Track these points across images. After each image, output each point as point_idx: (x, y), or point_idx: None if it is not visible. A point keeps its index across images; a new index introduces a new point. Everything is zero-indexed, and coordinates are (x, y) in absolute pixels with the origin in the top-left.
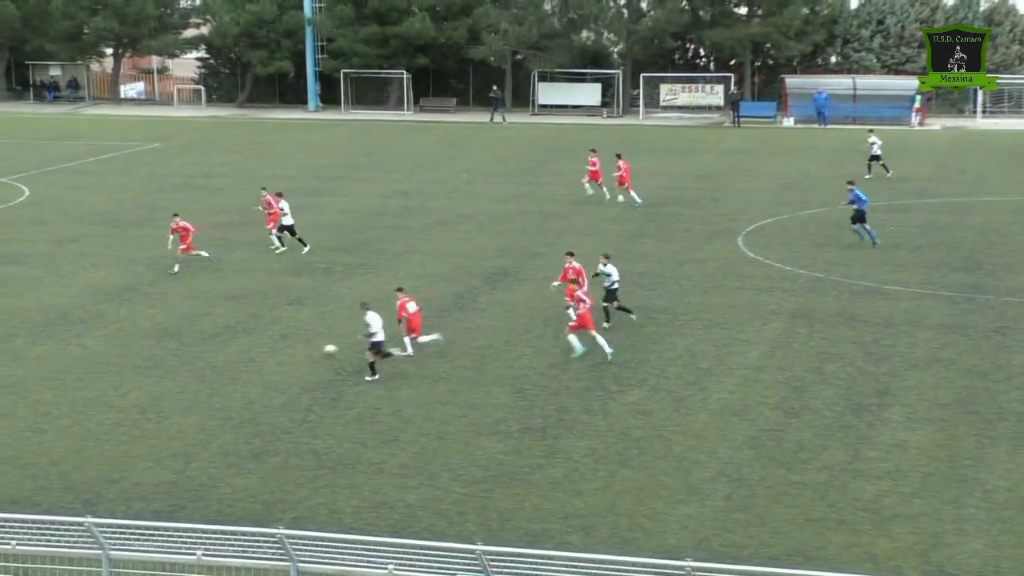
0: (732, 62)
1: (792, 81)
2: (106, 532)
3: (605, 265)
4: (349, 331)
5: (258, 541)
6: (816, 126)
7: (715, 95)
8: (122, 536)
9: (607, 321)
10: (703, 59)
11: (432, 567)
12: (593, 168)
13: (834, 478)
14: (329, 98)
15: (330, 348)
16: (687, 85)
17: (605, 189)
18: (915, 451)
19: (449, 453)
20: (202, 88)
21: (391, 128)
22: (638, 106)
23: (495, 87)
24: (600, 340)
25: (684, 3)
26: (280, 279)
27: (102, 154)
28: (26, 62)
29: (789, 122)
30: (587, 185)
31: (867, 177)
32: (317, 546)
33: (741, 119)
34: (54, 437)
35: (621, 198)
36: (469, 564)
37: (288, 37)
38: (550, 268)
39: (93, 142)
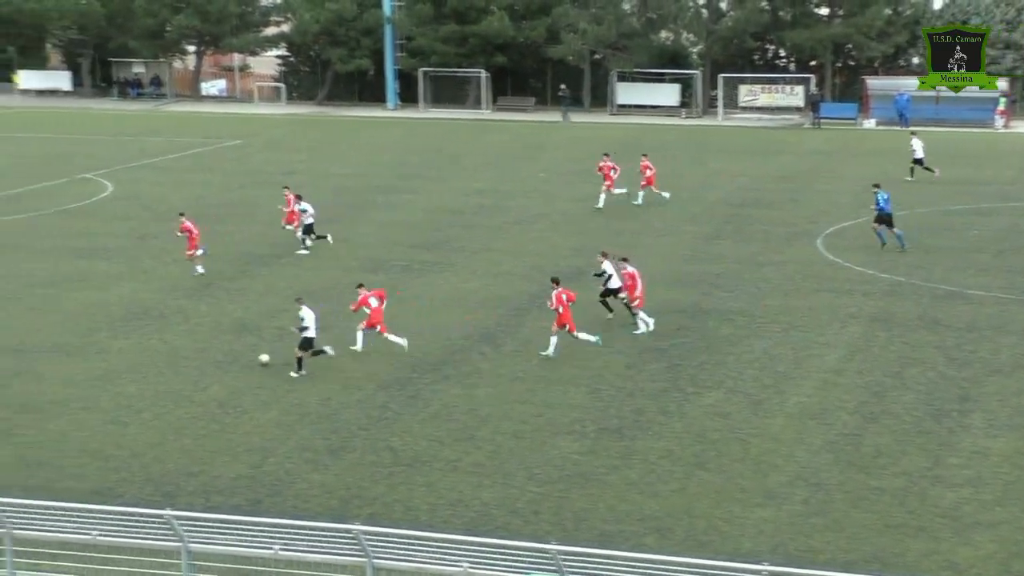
0: (812, 63)
1: (873, 82)
2: (185, 525)
3: (602, 263)
4: (427, 328)
5: (335, 537)
6: (898, 128)
7: (795, 96)
8: (201, 529)
9: (610, 311)
10: (783, 60)
11: (507, 566)
12: (611, 174)
13: (913, 484)
14: (408, 96)
15: (264, 358)
16: (767, 86)
17: (618, 191)
18: (997, 458)
19: (525, 452)
20: (282, 85)
21: (469, 127)
22: (717, 107)
23: (562, 86)
24: (581, 335)
25: (764, 3)
26: (357, 276)
27: (184, 151)
28: (110, 59)
29: (870, 124)
30: (603, 196)
31: (907, 180)
32: (393, 543)
33: (821, 120)
34: (136, 430)
35: (640, 199)
36: (543, 564)
37: (367, 35)
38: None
39: (175, 139)
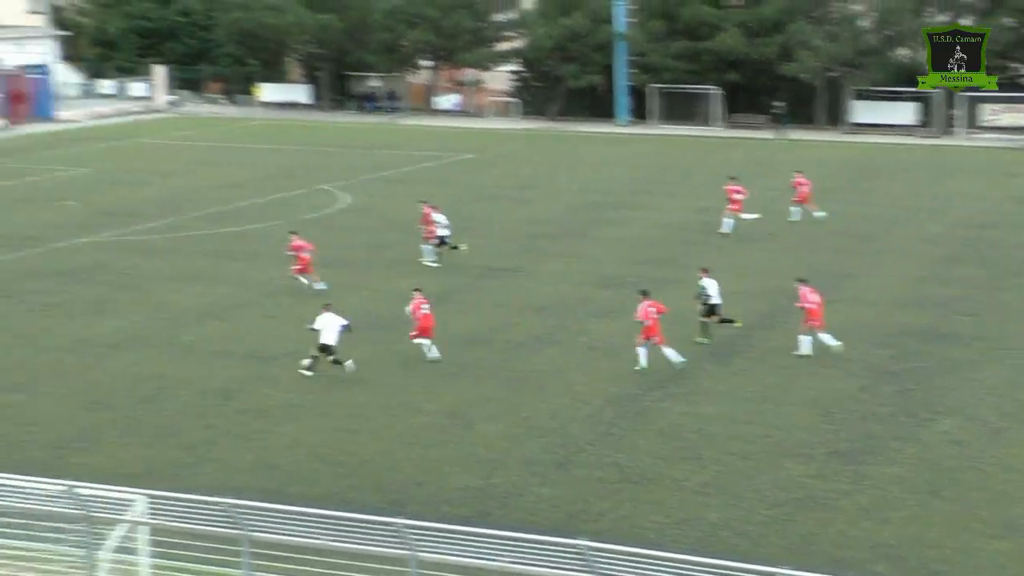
0: None
1: None
2: (414, 534)
3: (702, 279)
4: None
5: (561, 551)
6: None
7: None
8: (429, 538)
9: (706, 337)
10: None
11: None
12: (736, 197)
13: None
14: (639, 112)
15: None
16: (1010, 105)
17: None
18: None
19: (753, 473)
20: (515, 100)
21: (700, 143)
22: (957, 126)
23: (776, 102)
24: (667, 351)
25: (1010, 20)
26: (587, 291)
27: (417, 164)
28: (347, 73)
29: None
30: (729, 221)
31: None
32: (619, 560)
33: None
34: (366, 438)
35: (797, 217)
36: None
37: (599, 51)
38: (862, 289)
39: (409, 152)
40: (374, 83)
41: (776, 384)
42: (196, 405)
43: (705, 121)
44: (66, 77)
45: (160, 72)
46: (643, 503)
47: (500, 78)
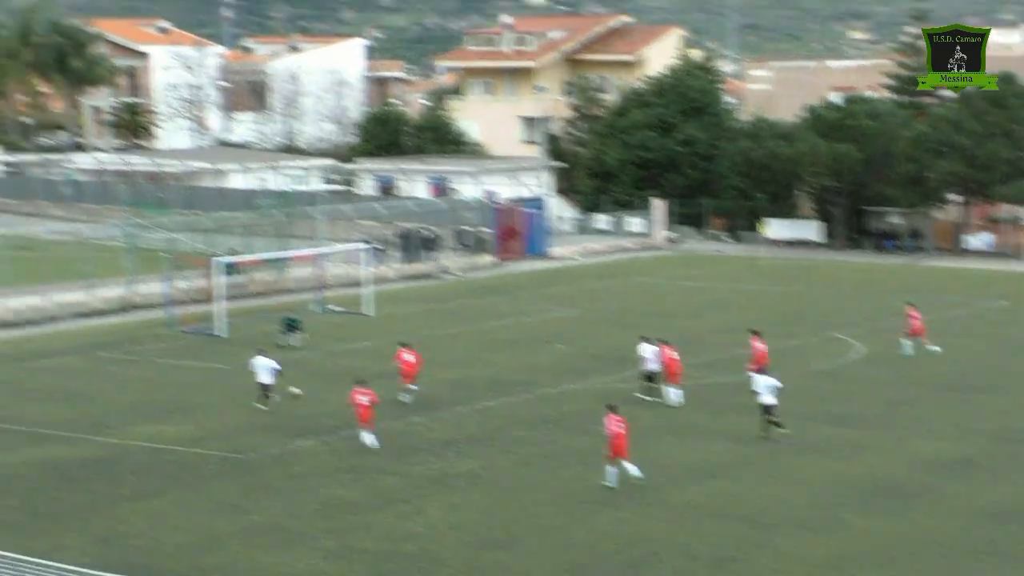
0: None
1: None
2: None
3: None
4: None
5: None
6: None
7: None
8: None
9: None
10: None
11: None
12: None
13: None
14: None
15: (294, 390)
16: None
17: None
18: None
19: None
20: None
21: None
22: None
23: None
24: None
25: None
26: None
27: (942, 311)
28: (864, 208)
29: None
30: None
31: None
32: None
33: None
34: None
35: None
36: None
37: None
38: None
39: (932, 297)
40: (894, 220)
41: None
42: (686, 572)
43: None
44: (561, 211)
45: (659, 206)
46: None
47: None
